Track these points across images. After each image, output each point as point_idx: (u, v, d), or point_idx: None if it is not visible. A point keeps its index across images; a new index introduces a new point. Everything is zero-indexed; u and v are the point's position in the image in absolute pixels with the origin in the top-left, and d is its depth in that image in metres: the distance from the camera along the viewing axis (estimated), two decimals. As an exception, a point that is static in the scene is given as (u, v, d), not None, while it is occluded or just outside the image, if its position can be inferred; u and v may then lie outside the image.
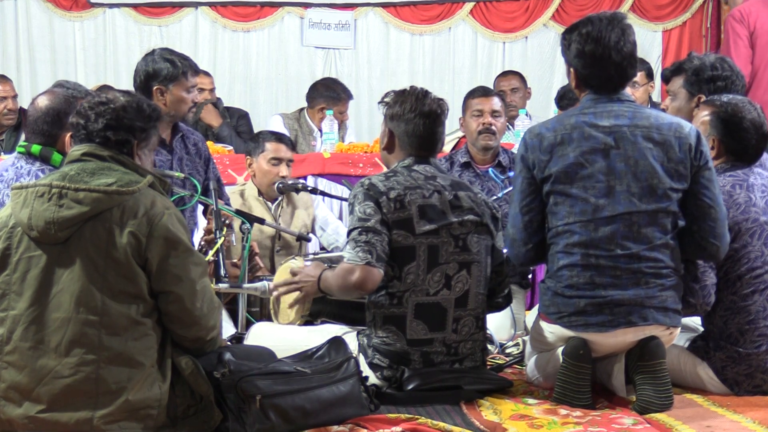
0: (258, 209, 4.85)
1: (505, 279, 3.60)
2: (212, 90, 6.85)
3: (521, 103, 6.70)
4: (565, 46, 3.37)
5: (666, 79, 4.09)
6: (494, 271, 3.53)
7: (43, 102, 3.53)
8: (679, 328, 3.36)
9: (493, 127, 5.00)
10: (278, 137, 5.05)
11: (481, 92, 5.16)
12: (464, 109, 5.12)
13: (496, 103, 5.09)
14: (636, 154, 3.23)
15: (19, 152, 3.58)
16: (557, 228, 3.28)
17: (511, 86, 6.74)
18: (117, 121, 2.87)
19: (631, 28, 3.32)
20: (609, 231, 3.21)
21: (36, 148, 3.51)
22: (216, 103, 6.77)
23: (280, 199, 5.02)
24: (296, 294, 3.58)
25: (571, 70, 3.37)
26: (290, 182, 4.92)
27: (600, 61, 3.27)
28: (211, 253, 3.83)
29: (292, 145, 5.17)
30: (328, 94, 6.66)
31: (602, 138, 3.25)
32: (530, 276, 4.83)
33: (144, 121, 2.93)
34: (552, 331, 3.35)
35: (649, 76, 6.27)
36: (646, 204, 3.22)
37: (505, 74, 7.01)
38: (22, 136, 6.27)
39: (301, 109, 6.81)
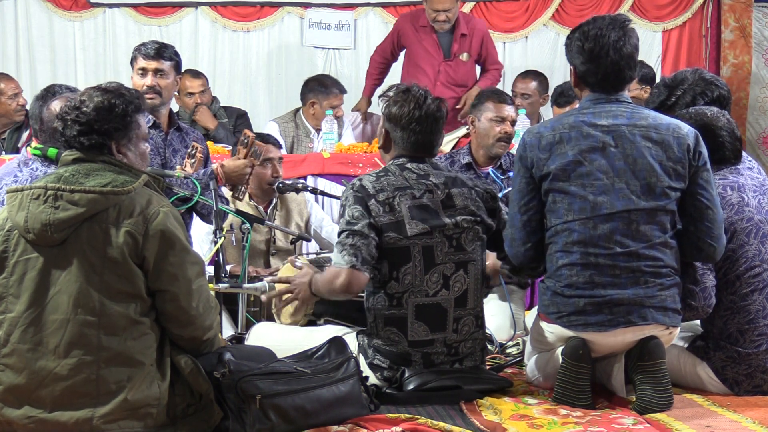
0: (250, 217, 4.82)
1: None
2: (204, 92, 6.75)
3: (530, 110, 6.66)
4: (568, 46, 3.40)
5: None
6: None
7: (57, 107, 3.54)
8: (679, 328, 3.36)
9: (510, 136, 4.90)
10: (263, 138, 5.02)
11: (503, 97, 4.97)
12: (481, 109, 4.90)
13: (513, 110, 4.98)
14: (634, 152, 3.25)
15: (35, 154, 3.60)
16: (556, 227, 3.28)
17: (523, 91, 6.72)
18: (89, 126, 2.86)
19: (634, 32, 3.34)
20: (608, 229, 3.22)
21: (53, 152, 3.54)
22: (211, 104, 6.71)
23: (274, 203, 5.00)
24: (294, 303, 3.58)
25: (571, 68, 3.41)
26: (290, 182, 4.91)
27: (597, 58, 3.29)
28: (211, 252, 3.83)
29: (278, 143, 5.18)
30: (318, 88, 6.56)
31: (601, 136, 3.26)
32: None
33: (118, 121, 2.89)
34: (552, 330, 3.35)
35: (643, 80, 6.23)
36: (645, 202, 3.23)
37: (525, 75, 6.89)
38: (24, 136, 6.32)
39: (297, 110, 6.77)
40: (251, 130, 6.56)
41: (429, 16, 6.60)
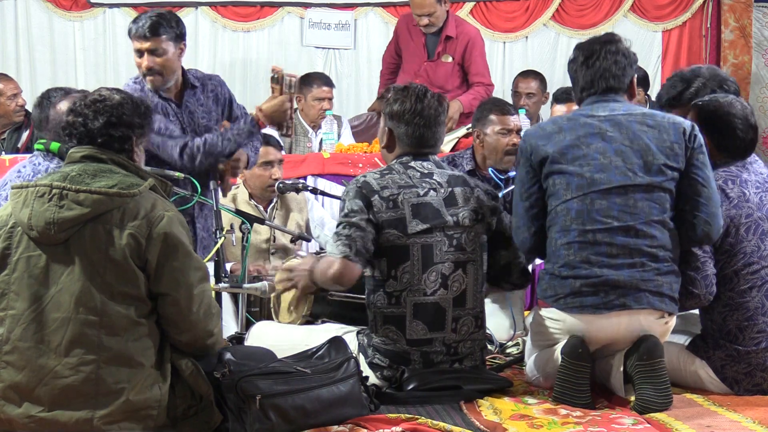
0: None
1: (517, 257, 3.59)
2: None
3: (534, 108, 6.64)
4: None
5: (663, 106, 3.96)
6: (503, 252, 3.55)
7: (65, 106, 3.57)
8: (674, 319, 3.37)
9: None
10: (264, 140, 4.96)
11: (506, 108, 4.86)
12: (485, 123, 4.77)
13: (517, 119, 4.87)
14: (631, 135, 3.35)
15: (38, 149, 3.63)
16: (556, 209, 3.35)
17: (527, 90, 6.71)
18: (118, 118, 2.88)
19: (613, 47, 3.44)
20: (605, 204, 3.29)
21: (55, 146, 3.57)
22: None
23: (274, 202, 5.03)
24: (293, 293, 3.59)
25: None
26: (290, 182, 4.92)
27: (576, 74, 3.50)
28: (211, 252, 3.83)
29: (279, 145, 5.18)
30: (302, 83, 6.59)
31: (598, 124, 3.38)
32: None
33: (141, 117, 2.94)
34: (550, 316, 3.39)
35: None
36: (641, 178, 3.29)
37: (526, 75, 6.88)
38: (24, 136, 6.33)
39: (294, 110, 6.78)
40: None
41: (415, 20, 6.55)
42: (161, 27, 4.19)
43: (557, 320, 3.37)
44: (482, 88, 6.52)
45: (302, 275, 3.50)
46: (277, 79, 4.27)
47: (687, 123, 3.39)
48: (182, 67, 4.36)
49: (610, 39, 3.48)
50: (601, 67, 3.42)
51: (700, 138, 3.37)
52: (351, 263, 3.28)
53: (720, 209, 3.35)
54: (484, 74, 6.61)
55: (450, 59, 6.57)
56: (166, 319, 2.83)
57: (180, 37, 4.28)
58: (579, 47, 3.52)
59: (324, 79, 6.71)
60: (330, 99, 6.67)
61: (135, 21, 4.25)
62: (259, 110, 4.26)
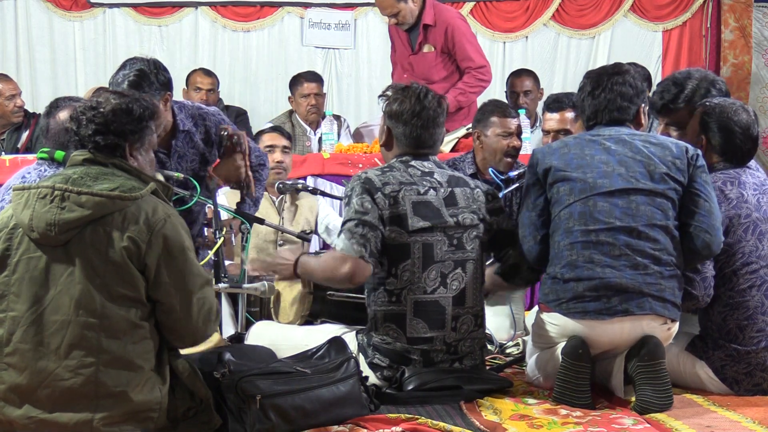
0: (263, 204, 4.85)
1: (522, 256, 3.57)
2: (211, 90, 6.83)
3: (532, 106, 6.63)
4: None
5: (659, 113, 3.96)
6: (510, 251, 3.57)
7: (64, 115, 3.59)
8: (677, 325, 3.37)
9: (518, 149, 4.78)
10: (274, 128, 5.22)
11: (507, 111, 4.82)
12: (486, 124, 4.75)
13: (518, 122, 4.84)
14: (634, 148, 3.40)
15: (41, 158, 3.62)
16: (560, 214, 3.38)
17: (524, 88, 6.70)
18: (105, 126, 2.86)
19: (622, 77, 3.49)
20: (607, 205, 3.32)
21: (60, 154, 3.57)
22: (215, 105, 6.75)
23: (281, 195, 5.10)
24: (295, 292, 3.59)
25: None
26: (290, 182, 4.95)
27: (583, 103, 3.55)
28: (211, 253, 3.82)
29: (288, 136, 5.28)
30: (292, 82, 6.79)
31: (602, 140, 3.43)
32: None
33: (134, 124, 2.91)
34: (552, 321, 3.38)
35: None
36: (644, 183, 3.33)
37: (519, 74, 6.83)
38: (23, 136, 6.33)
39: (291, 111, 6.84)
40: (249, 129, 6.63)
41: None
42: (140, 86, 3.86)
43: (559, 325, 3.36)
44: (470, 76, 6.17)
45: (285, 265, 3.48)
46: (226, 138, 4.16)
47: (690, 146, 3.43)
48: (173, 109, 4.13)
49: (618, 70, 3.53)
50: (605, 99, 3.47)
51: (703, 160, 3.41)
52: (366, 264, 3.26)
53: (720, 222, 3.36)
54: (472, 58, 6.17)
55: (432, 49, 6.24)
56: (164, 326, 2.82)
57: (164, 86, 3.98)
58: (588, 76, 3.58)
59: (308, 76, 6.79)
60: (317, 95, 6.73)
61: (115, 74, 3.95)
62: (213, 173, 4.16)
